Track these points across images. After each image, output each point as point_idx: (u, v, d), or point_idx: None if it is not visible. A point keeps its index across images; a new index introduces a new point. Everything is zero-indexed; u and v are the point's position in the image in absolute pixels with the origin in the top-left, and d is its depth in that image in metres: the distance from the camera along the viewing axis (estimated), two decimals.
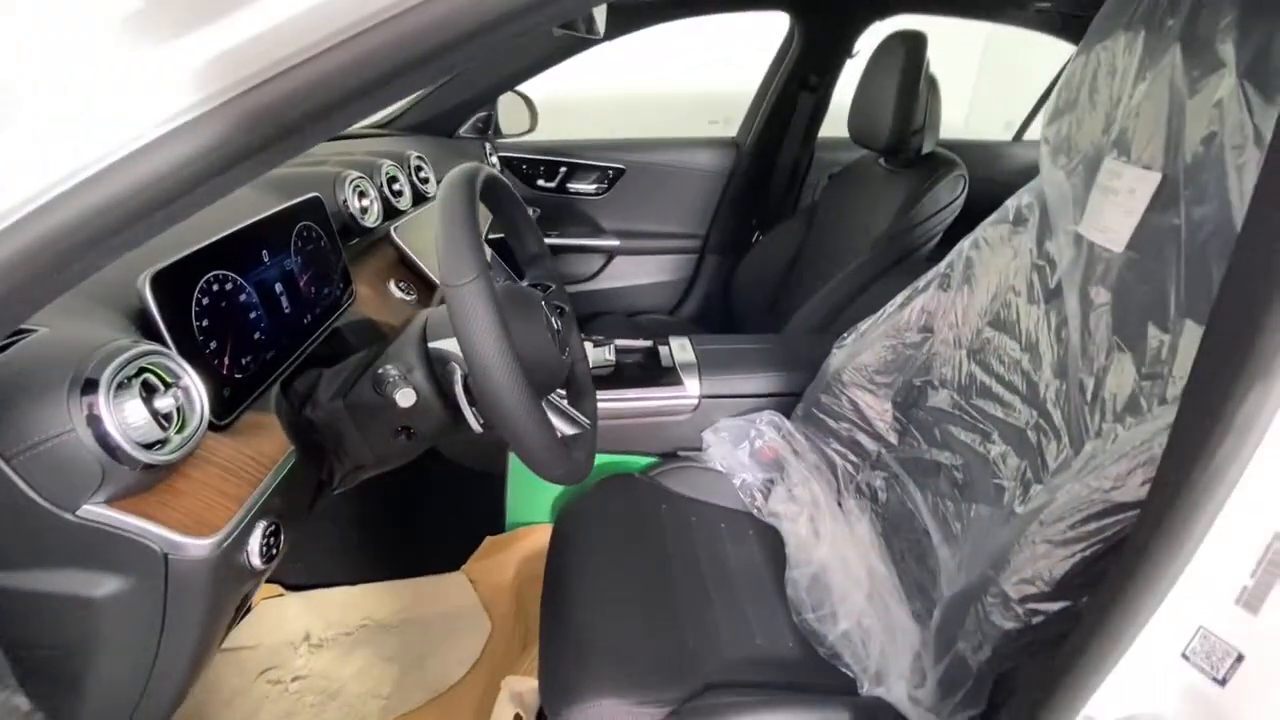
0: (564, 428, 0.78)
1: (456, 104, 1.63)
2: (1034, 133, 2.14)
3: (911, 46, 1.28)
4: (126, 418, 0.46)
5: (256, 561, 0.57)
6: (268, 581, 1.22)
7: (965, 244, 0.94)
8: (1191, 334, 0.60)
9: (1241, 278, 0.46)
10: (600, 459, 0.83)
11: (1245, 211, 0.49)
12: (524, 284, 0.83)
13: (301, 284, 0.75)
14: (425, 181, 1.25)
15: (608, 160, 1.84)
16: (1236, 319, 0.44)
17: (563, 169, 1.83)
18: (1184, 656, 0.46)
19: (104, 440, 0.44)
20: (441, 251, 0.56)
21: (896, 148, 1.33)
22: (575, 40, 1.54)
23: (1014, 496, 0.77)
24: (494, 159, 1.73)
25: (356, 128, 1.55)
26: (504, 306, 0.57)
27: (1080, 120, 0.76)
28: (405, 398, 0.64)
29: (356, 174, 1.00)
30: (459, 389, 0.64)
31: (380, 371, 0.66)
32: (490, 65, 1.58)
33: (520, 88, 1.67)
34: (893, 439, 1.03)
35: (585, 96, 2.24)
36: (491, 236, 1.48)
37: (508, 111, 1.71)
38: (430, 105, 1.61)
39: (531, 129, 1.76)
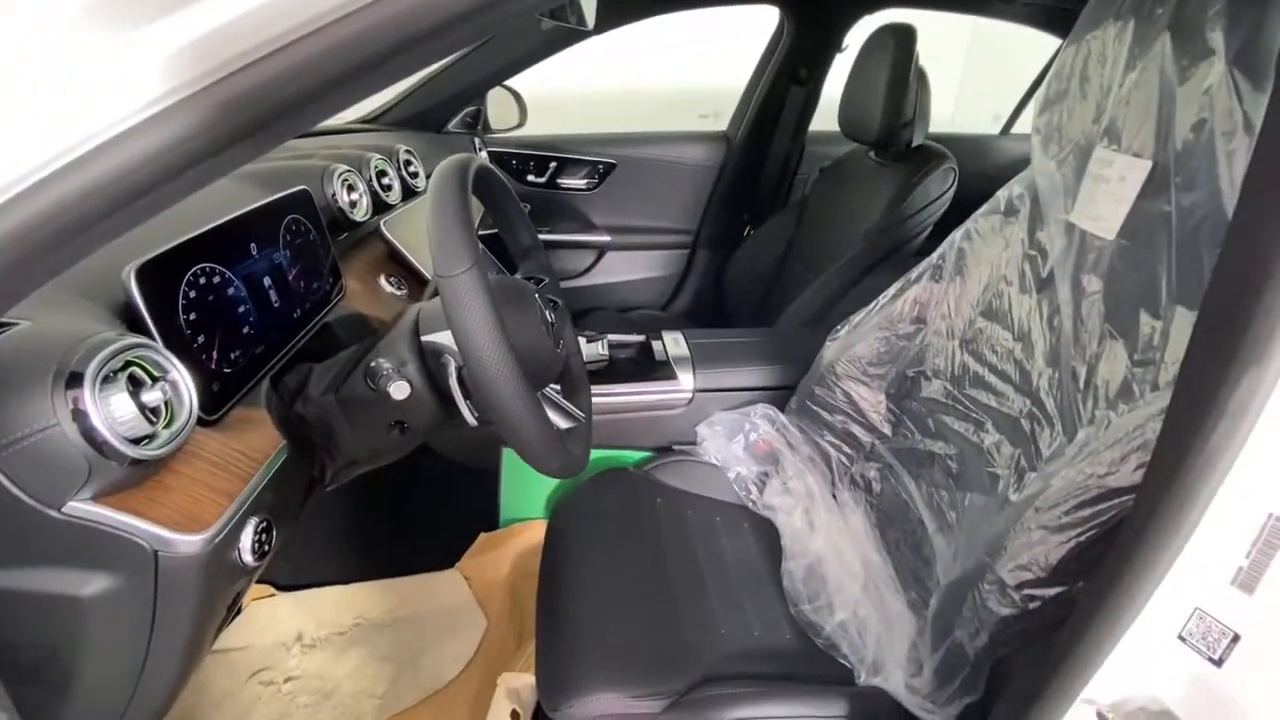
0: (559, 421, 0.77)
1: (445, 99, 1.62)
2: (1021, 126, 2.16)
3: (901, 39, 1.28)
4: (113, 412, 0.45)
5: (248, 558, 0.56)
6: (258, 582, 1.21)
7: (957, 235, 0.95)
8: (1183, 320, 0.61)
9: (1233, 264, 0.46)
10: (594, 454, 0.83)
11: (1236, 198, 0.49)
12: (517, 277, 0.82)
13: (290, 278, 0.74)
14: (414, 176, 1.24)
15: (598, 155, 1.83)
16: (1229, 305, 0.44)
17: (553, 164, 1.82)
18: (1181, 638, 0.46)
19: (90, 435, 0.43)
20: (434, 242, 0.56)
21: (887, 141, 1.33)
22: (565, 33, 1.53)
23: (1008, 484, 0.77)
24: (484, 154, 1.72)
25: (343, 122, 1.53)
26: (497, 298, 0.56)
27: (1071, 110, 0.77)
28: (399, 390, 0.64)
29: (345, 167, 0.99)
30: (453, 381, 0.63)
31: (373, 365, 0.65)
32: (479, 60, 1.57)
33: (509, 82, 1.66)
34: (886, 430, 1.03)
35: (575, 91, 2.22)
36: (483, 232, 1.47)
37: (497, 106, 1.70)
38: (418, 100, 1.60)
39: (521, 124, 1.75)
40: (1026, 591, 0.62)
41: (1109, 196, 0.70)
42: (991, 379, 0.86)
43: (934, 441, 0.93)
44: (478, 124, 1.71)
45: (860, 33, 1.46)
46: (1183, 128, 0.62)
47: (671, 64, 2.51)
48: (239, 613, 1.15)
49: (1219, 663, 0.45)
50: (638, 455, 1.18)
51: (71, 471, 0.44)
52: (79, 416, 0.43)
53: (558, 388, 0.84)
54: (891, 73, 1.27)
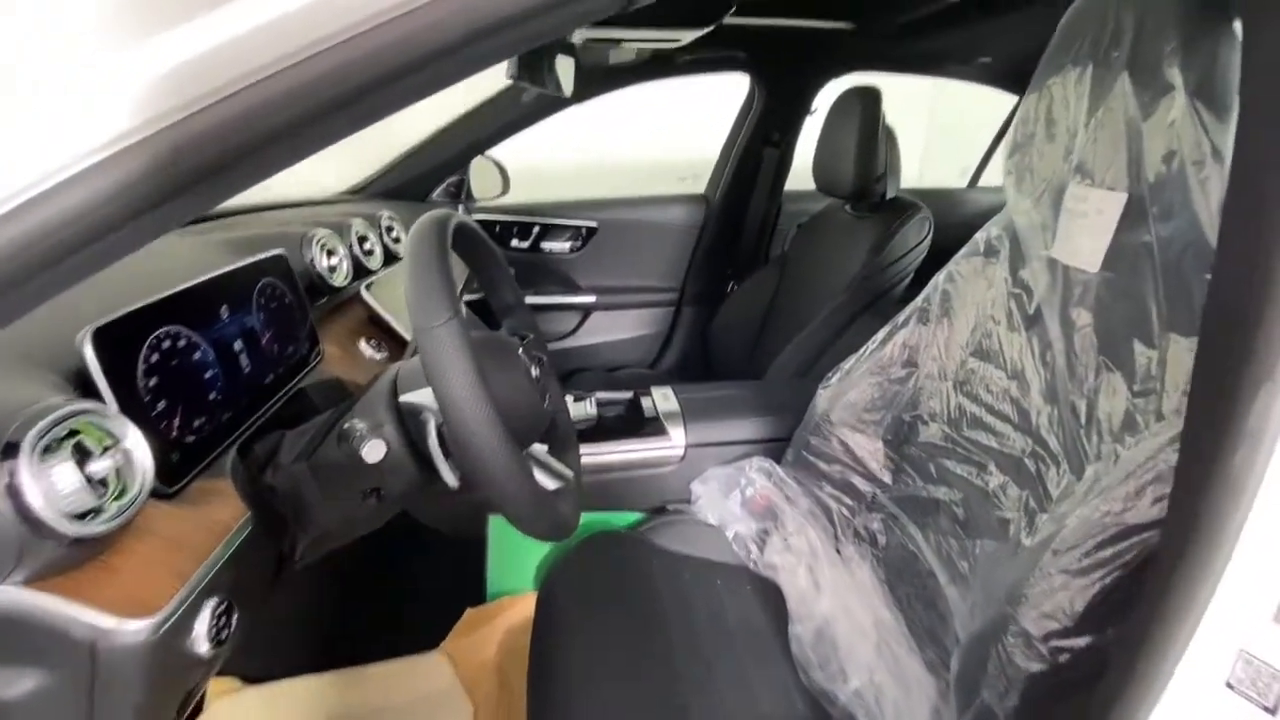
0: (547, 482, 0.73)
1: (428, 169, 1.65)
2: (988, 179, 2.24)
3: (867, 100, 1.33)
4: (54, 484, 0.41)
5: (203, 647, 0.50)
6: (222, 675, 1.11)
7: (940, 278, 0.95)
8: (1179, 347, 0.59)
9: (1226, 289, 0.46)
10: (584, 517, 0.79)
11: (1215, 223, 0.49)
12: (500, 333, 0.80)
13: (264, 342, 0.71)
14: (397, 241, 1.24)
15: (580, 219, 1.86)
16: (1229, 328, 0.43)
17: (536, 229, 1.85)
18: (1229, 685, 0.42)
19: (24, 512, 0.39)
20: (411, 294, 0.54)
21: (861, 193, 1.37)
22: (545, 103, 1.59)
23: (1019, 528, 0.74)
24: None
25: (329, 194, 1.55)
26: (479, 352, 0.54)
27: (1041, 151, 0.79)
28: (373, 451, 0.60)
29: (325, 233, 0.98)
30: (433, 440, 0.60)
31: (346, 426, 0.62)
32: (461, 130, 1.62)
33: (491, 152, 1.70)
34: (887, 478, 1.00)
35: (557, 161, 2.28)
36: (468, 298, 1.46)
37: (479, 176, 1.73)
38: (402, 171, 1.63)
39: (504, 193, 1.78)
40: (1055, 643, 0.57)
41: (1088, 230, 0.70)
42: (989, 419, 0.84)
43: (937, 487, 0.90)
44: (461, 193, 1.74)
45: (827, 96, 1.52)
46: (1153, 160, 0.63)
47: (649, 132, 2.61)
48: (199, 712, 1.05)
49: (1273, 710, 0.41)
50: (630, 517, 1.13)
51: (0, 554, 0.39)
52: (12, 492, 0.39)
53: (544, 447, 0.81)
54: (860, 130, 1.32)
